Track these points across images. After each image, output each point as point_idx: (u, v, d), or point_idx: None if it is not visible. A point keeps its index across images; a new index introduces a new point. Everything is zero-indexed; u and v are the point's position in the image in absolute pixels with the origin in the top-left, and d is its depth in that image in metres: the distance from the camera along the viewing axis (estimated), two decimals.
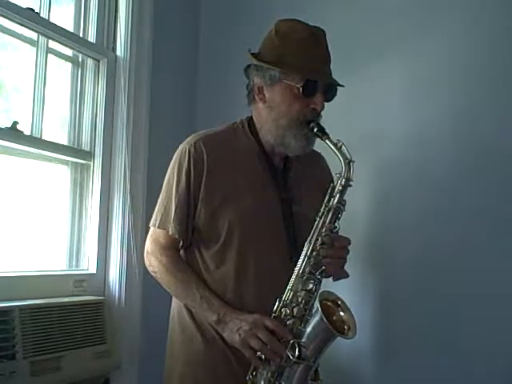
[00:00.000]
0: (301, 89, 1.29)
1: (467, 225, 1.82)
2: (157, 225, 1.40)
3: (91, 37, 2.05)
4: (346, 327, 1.22)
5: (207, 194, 1.34)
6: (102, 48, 2.07)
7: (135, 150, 2.07)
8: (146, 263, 1.46)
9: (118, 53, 2.09)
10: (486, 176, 1.81)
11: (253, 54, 1.38)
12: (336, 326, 1.21)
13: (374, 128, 1.99)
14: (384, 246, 1.96)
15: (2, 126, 1.69)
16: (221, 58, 2.40)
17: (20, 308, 1.56)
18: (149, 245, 1.45)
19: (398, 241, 1.94)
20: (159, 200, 1.43)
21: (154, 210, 1.43)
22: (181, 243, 1.41)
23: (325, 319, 1.17)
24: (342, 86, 1.36)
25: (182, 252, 1.44)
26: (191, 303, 1.37)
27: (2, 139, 1.68)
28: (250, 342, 1.23)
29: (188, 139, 1.41)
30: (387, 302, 1.96)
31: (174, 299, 1.48)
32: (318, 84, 1.30)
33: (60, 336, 1.65)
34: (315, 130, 1.31)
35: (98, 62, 2.06)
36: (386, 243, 1.96)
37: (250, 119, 1.44)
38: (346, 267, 1.34)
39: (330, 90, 1.34)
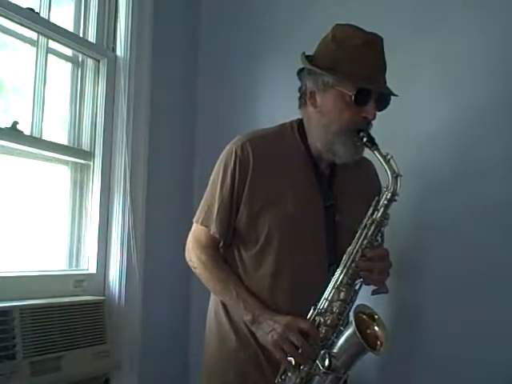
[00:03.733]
0: (353, 97, 1.28)
1: (479, 233, 1.78)
2: (199, 222, 1.42)
3: (91, 37, 2.05)
4: (378, 343, 1.21)
5: (250, 196, 1.35)
6: (102, 48, 2.07)
7: (135, 150, 2.06)
8: (187, 258, 1.49)
9: (118, 53, 2.09)
10: (500, 178, 1.77)
11: (307, 57, 1.36)
12: (369, 340, 1.20)
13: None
14: (393, 255, 1.93)
15: (2, 126, 1.69)
16: (221, 58, 2.40)
17: (20, 308, 1.56)
18: (190, 241, 1.48)
19: (407, 249, 1.89)
20: (204, 197, 1.45)
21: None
22: (221, 243, 1.43)
23: (358, 333, 1.16)
24: (396, 95, 1.34)
25: (222, 250, 1.45)
26: (228, 301, 1.39)
27: (2, 139, 1.68)
28: (281, 345, 1.24)
29: (235, 139, 1.41)
30: (398, 312, 1.92)
31: (212, 297, 1.49)
32: (370, 93, 1.29)
33: (60, 336, 1.65)
34: (365, 139, 1.29)
35: (98, 62, 2.06)
36: (395, 252, 1.92)
37: (300, 122, 1.43)
38: None
39: (382, 99, 1.32)
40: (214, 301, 1.48)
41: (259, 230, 1.35)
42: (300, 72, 1.40)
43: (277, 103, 2.17)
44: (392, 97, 1.35)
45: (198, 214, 1.45)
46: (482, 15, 1.85)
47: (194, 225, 1.47)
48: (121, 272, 2.00)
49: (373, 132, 1.35)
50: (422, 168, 1.90)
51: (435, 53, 1.90)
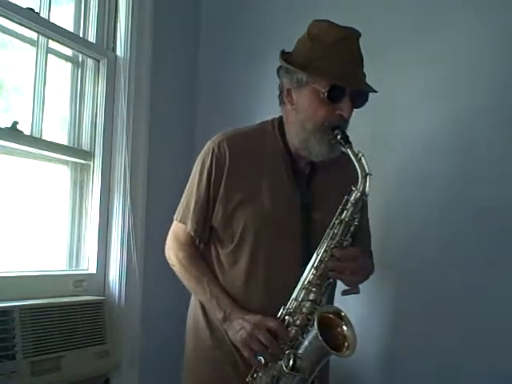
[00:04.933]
0: (326, 94, 1.27)
1: (477, 231, 1.78)
2: (178, 219, 1.44)
3: (91, 37, 2.05)
4: (346, 344, 1.18)
5: (226, 194, 1.35)
6: (102, 48, 2.07)
7: (135, 150, 2.06)
8: (166, 256, 1.50)
9: (118, 53, 2.09)
10: (498, 179, 1.77)
11: (284, 55, 1.36)
12: (336, 340, 1.18)
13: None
14: (399, 250, 1.92)
15: (2, 126, 1.69)
16: (221, 58, 2.40)
17: (20, 308, 1.56)
18: (169, 239, 1.49)
19: (407, 250, 1.90)
20: (183, 195, 1.46)
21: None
22: (197, 241, 1.43)
23: (320, 336, 1.14)
24: (375, 91, 1.32)
25: (201, 247, 1.46)
26: (202, 298, 1.39)
27: (2, 139, 1.68)
28: (250, 344, 1.24)
29: (214, 138, 1.42)
30: (395, 314, 1.93)
31: (193, 296, 1.49)
32: (345, 90, 1.27)
33: (60, 336, 1.65)
34: (338, 137, 1.28)
35: (98, 62, 2.06)
36: (401, 247, 1.92)
37: (281, 120, 1.43)
38: None
39: (359, 95, 1.30)
40: (193, 300, 1.48)
41: (235, 227, 1.35)
42: (278, 70, 1.40)
43: (277, 103, 2.15)
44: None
45: (177, 211, 1.46)
46: (481, 15, 1.85)
47: (174, 222, 1.47)
48: (121, 272, 2.01)
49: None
50: (417, 167, 1.91)
51: (433, 53, 1.90)
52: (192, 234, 1.40)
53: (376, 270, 1.47)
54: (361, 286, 1.33)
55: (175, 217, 1.46)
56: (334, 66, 1.26)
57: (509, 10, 1.81)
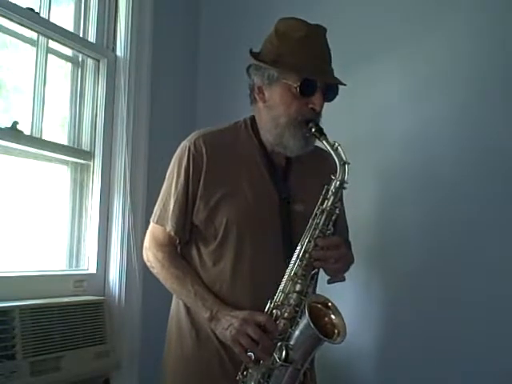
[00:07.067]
0: (298, 88, 1.28)
1: (471, 227, 1.81)
2: (155, 220, 1.42)
3: (91, 37, 2.05)
4: (336, 331, 1.19)
5: (206, 192, 1.35)
6: (102, 48, 2.07)
7: (135, 150, 2.07)
8: (144, 258, 1.47)
9: (118, 53, 2.09)
10: (488, 176, 1.80)
11: (254, 54, 1.37)
12: (326, 329, 1.18)
13: (374, 129, 1.98)
14: (387, 250, 1.95)
15: (2, 126, 1.69)
16: (221, 58, 2.40)
17: (20, 308, 1.56)
18: (147, 240, 1.46)
19: (400, 244, 1.92)
20: (159, 196, 1.44)
21: (153, 209, 1.44)
22: (177, 240, 1.42)
23: (312, 324, 1.14)
24: (344, 84, 1.33)
25: (180, 247, 1.44)
26: (186, 299, 1.38)
27: (2, 139, 1.68)
28: (239, 340, 1.23)
29: (189, 137, 1.42)
30: (390, 307, 1.94)
31: (174, 296, 1.48)
32: (316, 83, 1.29)
33: (60, 336, 1.65)
34: (313, 130, 1.29)
35: (98, 61, 2.07)
36: (388, 247, 1.94)
37: (253, 118, 1.44)
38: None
39: (330, 89, 1.32)
40: (175, 300, 1.47)
41: (217, 224, 1.34)
42: (248, 69, 1.40)
43: None
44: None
45: (154, 212, 1.44)
46: (461, 17, 1.89)
47: (151, 224, 1.45)
48: (121, 272, 2.01)
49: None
50: (409, 168, 1.94)
51: (416, 55, 1.95)
52: (172, 233, 1.38)
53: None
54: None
55: (152, 219, 1.43)
56: (304, 61, 1.28)
57: (486, 10, 1.85)
